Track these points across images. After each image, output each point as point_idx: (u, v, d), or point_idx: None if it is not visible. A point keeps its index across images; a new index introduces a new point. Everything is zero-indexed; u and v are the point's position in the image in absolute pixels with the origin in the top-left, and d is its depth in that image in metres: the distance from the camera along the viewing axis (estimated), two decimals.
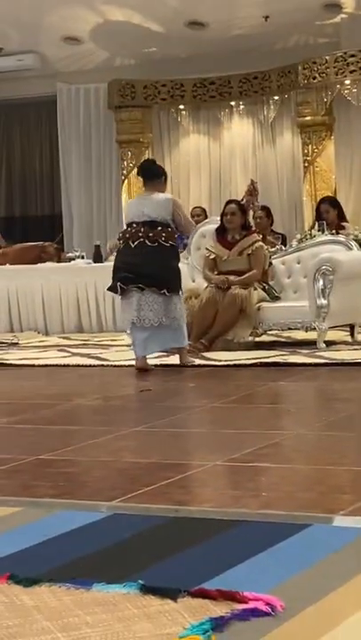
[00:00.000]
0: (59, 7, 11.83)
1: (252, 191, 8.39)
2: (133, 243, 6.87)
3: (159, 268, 6.79)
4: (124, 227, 7.21)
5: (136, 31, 12.22)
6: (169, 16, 11.86)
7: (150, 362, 7.09)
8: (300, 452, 4.10)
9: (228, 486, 3.64)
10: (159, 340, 6.90)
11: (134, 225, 6.93)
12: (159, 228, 6.86)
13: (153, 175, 7.15)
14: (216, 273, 8.11)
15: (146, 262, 6.77)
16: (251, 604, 2.31)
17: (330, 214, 9.72)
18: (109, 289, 7.08)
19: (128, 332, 7.18)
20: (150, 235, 6.83)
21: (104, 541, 2.91)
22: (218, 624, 2.23)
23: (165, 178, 7.29)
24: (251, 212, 8.61)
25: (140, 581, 2.48)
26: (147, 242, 6.82)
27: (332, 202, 10.19)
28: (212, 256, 8.14)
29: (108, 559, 2.75)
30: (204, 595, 2.39)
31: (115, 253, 10.36)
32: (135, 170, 12.80)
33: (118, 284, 6.88)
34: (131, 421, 5.03)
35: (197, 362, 7.05)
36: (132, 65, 13.23)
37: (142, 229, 6.86)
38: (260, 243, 8.28)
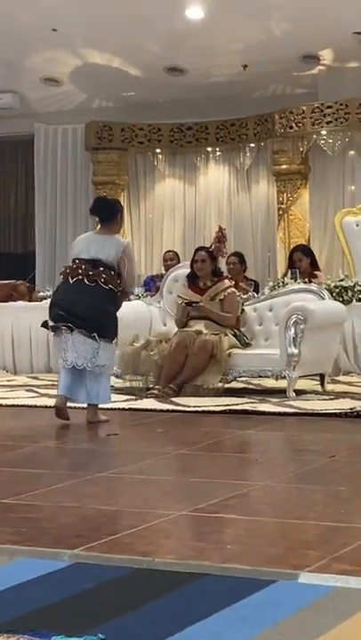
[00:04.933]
0: (40, 48, 11.89)
1: (221, 238, 8.41)
2: (72, 279, 6.45)
3: (92, 310, 6.34)
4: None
5: (115, 75, 12.29)
6: (148, 61, 11.94)
7: (120, 405, 7.03)
8: (267, 504, 4.06)
9: (193, 537, 3.59)
10: (81, 389, 6.47)
11: (77, 261, 6.49)
12: (101, 269, 6.40)
13: (110, 215, 6.62)
14: (188, 318, 8.09)
15: (79, 301, 6.36)
16: None
17: (303, 262, 9.75)
18: (42, 325, 6.70)
19: None
20: (90, 273, 6.39)
21: (65, 592, 2.85)
22: None
23: (122, 214, 6.81)
24: (221, 259, 8.62)
25: (100, 635, 2.43)
26: (85, 280, 6.39)
27: (305, 250, 10.23)
28: (185, 302, 8.12)
29: (68, 611, 2.69)
30: None
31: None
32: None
33: (49, 320, 6.50)
34: (97, 466, 4.96)
35: (104, 418, 6.48)
36: (110, 107, 13.29)
37: (83, 267, 6.42)
38: (233, 289, 8.30)
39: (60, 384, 6.57)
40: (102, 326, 6.40)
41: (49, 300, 9.89)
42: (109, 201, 6.96)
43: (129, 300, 8.21)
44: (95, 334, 6.36)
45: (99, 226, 6.76)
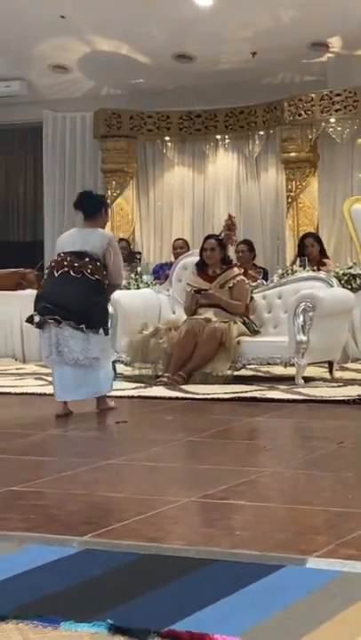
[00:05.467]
0: (48, 36, 11.88)
1: (231, 226, 8.41)
2: (57, 272, 6.31)
3: (79, 301, 6.21)
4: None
5: (124, 62, 12.28)
6: (157, 48, 11.93)
7: (129, 392, 7.05)
8: (275, 490, 4.07)
9: (202, 524, 3.60)
10: (77, 383, 6.33)
11: (62, 254, 6.38)
12: (86, 259, 6.29)
13: (93, 210, 6.53)
14: (197, 306, 8.10)
15: (65, 293, 6.22)
16: None
17: (314, 248, 9.80)
18: (27, 320, 6.52)
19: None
20: (76, 265, 6.26)
21: (74, 578, 2.86)
22: None
23: (106, 208, 6.72)
24: (230, 247, 8.63)
25: (109, 621, 2.44)
26: (71, 272, 6.25)
27: (316, 237, 10.27)
28: (194, 290, 8.13)
29: (77, 597, 2.71)
30: (173, 636, 2.35)
31: None
32: (117, 200, 12.91)
33: (34, 314, 6.35)
34: (105, 453, 4.98)
35: (112, 404, 6.48)
36: (118, 95, 13.28)
37: (68, 259, 6.30)
38: (242, 276, 8.30)
39: (55, 388, 6.44)
40: (90, 317, 6.28)
41: None
42: (93, 195, 6.82)
43: (126, 287, 8.04)
44: (83, 326, 6.24)
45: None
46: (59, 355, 6.29)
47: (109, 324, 6.59)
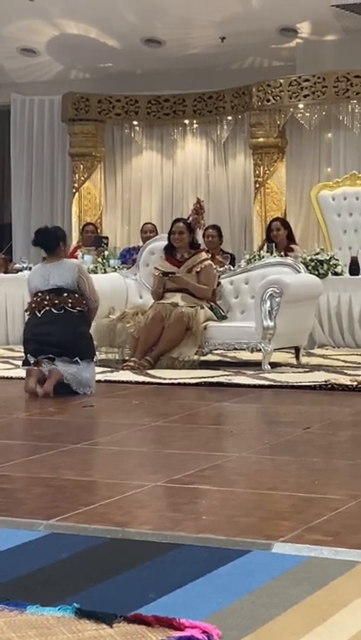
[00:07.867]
0: (16, 18, 11.77)
1: (199, 210, 8.40)
2: (40, 312, 6.63)
3: (67, 335, 6.53)
4: (30, 297, 6.88)
5: (92, 45, 12.20)
6: (125, 32, 11.86)
7: (95, 377, 7.05)
8: (241, 475, 4.09)
9: (168, 508, 3.61)
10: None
11: (40, 294, 6.70)
12: (65, 295, 6.64)
13: (53, 245, 6.83)
14: (164, 290, 8.09)
15: (53, 331, 6.52)
16: (187, 632, 2.28)
17: (280, 232, 9.80)
18: (24, 364, 6.70)
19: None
20: (56, 302, 6.61)
21: (40, 562, 2.86)
22: None
23: (64, 240, 6.95)
24: (199, 231, 8.62)
25: (75, 605, 2.44)
26: (53, 310, 6.60)
27: (284, 222, 10.29)
28: (161, 273, 8.12)
29: (43, 580, 2.71)
30: (140, 620, 2.35)
31: None
32: (85, 184, 12.86)
33: (28, 356, 6.58)
34: (72, 437, 4.97)
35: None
36: (87, 79, 13.21)
37: (48, 297, 6.64)
38: (209, 261, 8.30)
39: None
40: (81, 348, 6.60)
41: (25, 273, 9.97)
42: (49, 231, 7.02)
43: (93, 271, 8.15)
44: (77, 358, 6.54)
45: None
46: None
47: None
